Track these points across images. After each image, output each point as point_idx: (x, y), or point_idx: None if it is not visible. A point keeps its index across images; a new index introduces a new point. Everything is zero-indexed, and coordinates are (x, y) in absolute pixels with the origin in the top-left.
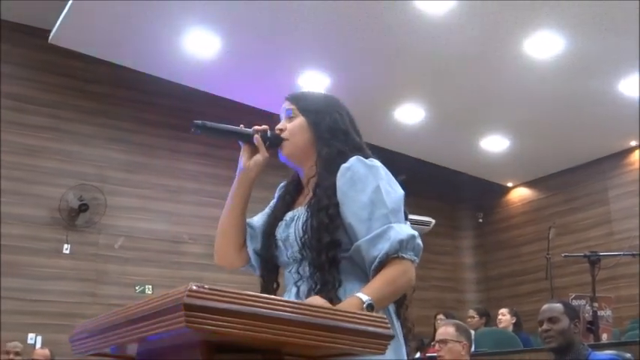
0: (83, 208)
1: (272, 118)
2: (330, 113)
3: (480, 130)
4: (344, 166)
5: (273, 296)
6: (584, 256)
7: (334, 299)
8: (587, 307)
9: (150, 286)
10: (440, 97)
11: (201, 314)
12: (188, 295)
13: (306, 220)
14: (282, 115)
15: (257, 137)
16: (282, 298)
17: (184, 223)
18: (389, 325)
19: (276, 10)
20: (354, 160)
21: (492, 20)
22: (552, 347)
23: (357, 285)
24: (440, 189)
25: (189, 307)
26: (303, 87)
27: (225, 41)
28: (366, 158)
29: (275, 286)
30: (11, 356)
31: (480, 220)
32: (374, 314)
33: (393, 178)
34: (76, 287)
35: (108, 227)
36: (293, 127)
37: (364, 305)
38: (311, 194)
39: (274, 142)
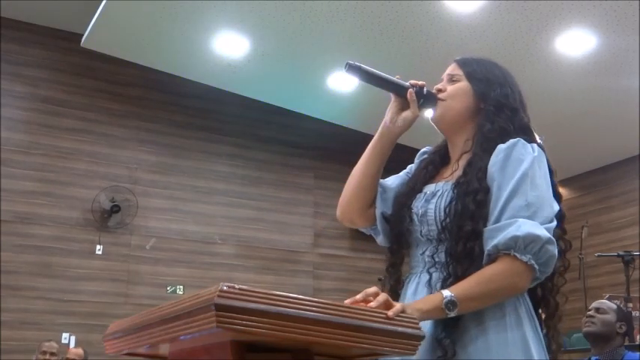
0: (115, 209)
1: (296, 118)
2: (501, 85)
3: None
4: (500, 146)
5: (301, 296)
6: (618, 255)
7: None
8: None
9: (181, 287)
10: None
11: (231, 314)
12: (219, 296)
13: (451, 202)
14: (445, 77)
15: (411, 92)
16: (311, 298)
17: (215, 223)
18: (419, 326)
19: (305, 11)
20: (513, 142)
21: (523, 18)
22: (589, 331)
23: None
24: None
25: (220, 308)
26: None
27: (254, 43)
28: (530, 143)
29: (400, 260)
30: (47, 356)
31: None
32: (404, 315)
33: (549, 175)
34: (108, 288)
35: (139, 228)
36: (454, 89)
37: (443, 302)
38: (460, 172)
39: (429, 101)
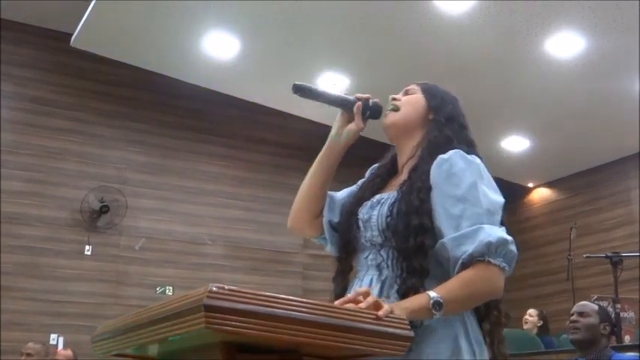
0: (104, 209)
1: (286, 118)
2: (454, 105)
3: (500, 131)
4: (442, 156)
5: (290, 297)
6: (606, 256)
7: (420, 289)
8: (610, 309)
9: (170, 287)
10: (460, 97)
11: (220, 315)
12: (208, 297)
13: (394, 202)
14: (402, 92)
15: (358, 105)
16: (301, 299)
17: (204, 224)
18: (409, 327)
19: (295, 12)
20: (453, 153)
21: (513, 20)
22: (575, 338)
23: (434, 284)
24: None
25: (209, 308)
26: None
27: (244, 43)
28: (469, 154)
29: (349, 269)
30: (23, 357)
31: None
32: (394, 315)
33: (493, 181)
34: (97, 288)
35: (129, 229)
36: (409, 99)
37: (430, 302)
38: (406, 177)
39: (375, 112)
